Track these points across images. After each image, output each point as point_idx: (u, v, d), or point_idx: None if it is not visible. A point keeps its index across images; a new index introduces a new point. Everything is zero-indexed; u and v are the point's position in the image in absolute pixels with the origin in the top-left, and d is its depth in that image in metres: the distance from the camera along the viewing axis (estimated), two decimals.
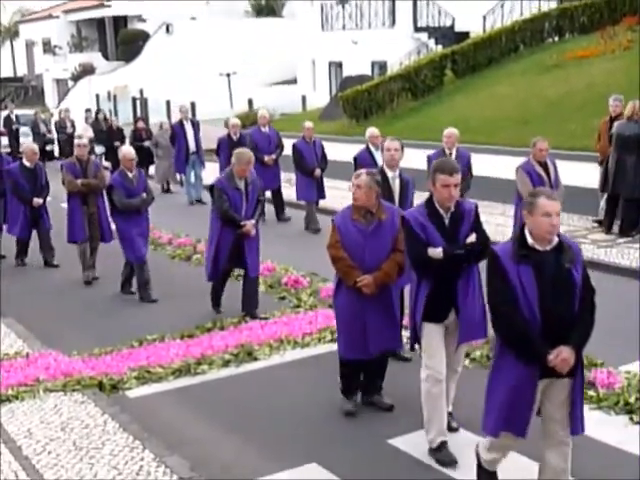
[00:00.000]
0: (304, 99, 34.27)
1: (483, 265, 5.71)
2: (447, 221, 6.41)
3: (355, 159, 12.98)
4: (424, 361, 6.54)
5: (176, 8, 45.62)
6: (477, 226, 6.53)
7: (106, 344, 9.41)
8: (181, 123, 19.89)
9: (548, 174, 11.52)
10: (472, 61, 26.21)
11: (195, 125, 19.92)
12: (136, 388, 8.27)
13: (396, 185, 8.47)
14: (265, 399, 7.99)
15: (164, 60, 42.88)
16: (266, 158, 16.31)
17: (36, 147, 14.07)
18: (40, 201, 13.60)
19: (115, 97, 38.81)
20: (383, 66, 32.45)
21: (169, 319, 10.43)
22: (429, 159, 12.19)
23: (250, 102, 33.28)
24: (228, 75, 40.09)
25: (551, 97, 20.73)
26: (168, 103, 33.06)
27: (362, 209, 7.13)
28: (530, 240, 5.27)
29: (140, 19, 48.54)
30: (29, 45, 60.65)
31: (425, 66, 26.36)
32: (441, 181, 6.30)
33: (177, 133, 19.81)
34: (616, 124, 13.47)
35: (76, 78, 48.46)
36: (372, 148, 12.96)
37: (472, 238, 6.41)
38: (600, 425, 6.88)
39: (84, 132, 25.88)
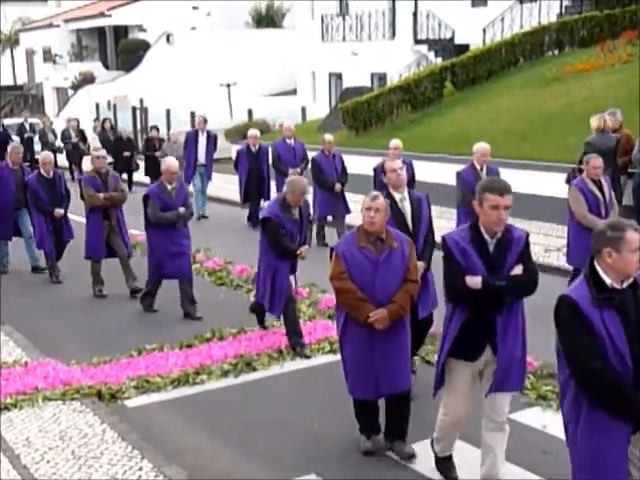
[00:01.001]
0: (304, 110, 34.30)
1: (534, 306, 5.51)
2: (492, 247, 5.79)
3: (375, 171, 12.72)
4: (444, 399, 6.13)
5: (177, 18, 45.69)
6: (526, 257, 5.88)
7: (105, 353, 9.40)
8: (196, 133, 19.27)
9: (603, 193, 10.74)
10: (472, 74, 26.24)
11: (210, 137, 19.23)
12: (135, 397, 8.27)
13: (406, 207, 7.82)
14: (264, 409, 7.99)
15: (164, 70, 42.93)
16: (290, 171, 15.50)
17: (52, 156, 13.65)
18: (61, 212, 13.07)
19: (115, 106, 38.79)
20: (383, 78, 32.52)
21: (168, 329, 10.43)
22: (459, 176, 11.70)
23: (250, 112, 33.32)
24: (228, 85, 40.13)
25: (551, 110, 20.76)
26: (168, 113, 33.09)
27: (372, 235, 6.50)
28: (608, 280, 4.65)
29: (141, 29, 48.62)
30: (29, 54, 60.68)
31: (425, 78, 26.39)
32: (490, 202, 5.67)
33: (189, 142, 19.13)
34: (588, 138, 13.56)
35: (76, 87, 48.49)
36: None
37: (518, 270, 5.77)
38: None
39: (91, 142, 25.81)
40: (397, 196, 7.79)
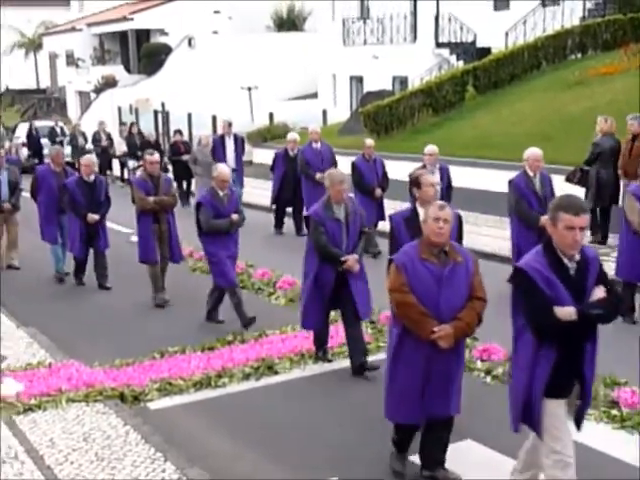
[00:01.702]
0: (325, 113, 34.31)
1: None
2: (572, 272, 5.28)
3: (410, 176, 12.62)
4: (548, 445, 5.42)
5: (198, 22, 45.87)
6: (605, 277, 5.42)
7: (128, 355, 9.45)
8: (222, 137, 18.98)
9: None
10: (494, 77, 26.16)
11: (238, 141, 18.97)
12: (157, 400, 8.31)
13: None
14: (286, 413, 8.00)
15: (186, 74, 43.08)
16: (317, 176, 15.32)
17: (94, 159, 13.46)
18: (96, 217, 12.80)
19: (137, 110, 38.99)
20: (404, 81, 32.47)
21: (190, 331, 10.48)
22: (511, 183, 11.33)
23: (271, 116, 33.37)
24: (249, 89, 40.20)
25: (573, 114, 20.67)
26: (190, 116, 33.20)
27: (436, 248, 6.06)
28: None
29: (163, 33, 48.83)
30: (52, 57, 61.08)
31: (446, 82, 26.34)
32: (565, 222, 5.17)
33: (216, 147, 18.81)
34: (596, 139, 14.28)
35: (98, 91, 48.75)
36: (428, 167, 12.38)
37: (600, 292, 5.27)
38: (624, 444, 6.84)
39: (118, 146, 25.99)
40: (422, 212, 6.87)
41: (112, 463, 6.68)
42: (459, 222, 7.53)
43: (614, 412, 7.44)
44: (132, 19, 48.73)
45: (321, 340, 9.34)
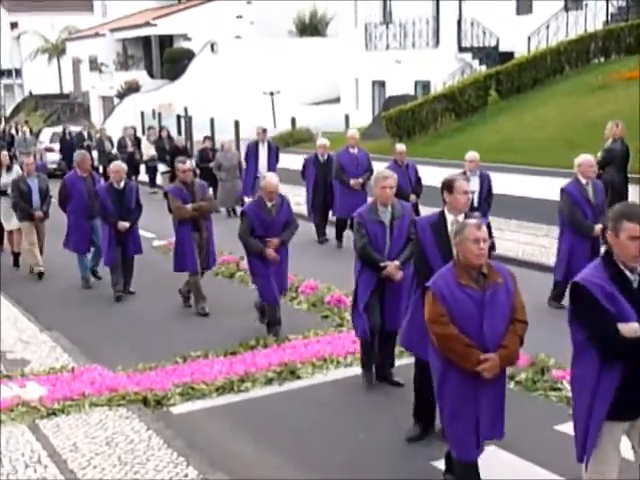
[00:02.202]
0: (347, 118, 34.30)
1: None
2: (636, 285, 4.96)
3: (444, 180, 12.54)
4: (590, 465, 5.14)
5: (221, 27, 46.07)
6: None
7: (150, 360, 9.46)
8: (256, 144, 18.47)
9: None
10: (517, 82, 26.09)
11: (272, 149, 18.51)
12: (180, 404, 8.31)
13: None
14: (308, 418, 7.99)
15: (209, 78, 43.25)
16: (352, 182, 15.11)
17: (123, 166, 13.16)
18: (126, 225, 12.43)
19: (160, 115, 39.16)
20: (426, 86, 32.44)
21: (213, 336, 10.48)
22: (564, 192, 10.87)
23: (293, 121, 33.42)
24: (271, 94, 40.32)
25: (597, 118, 20.54)
26: (212, 121, 33.30)
27: (474, 270, 5.63)
28: None
29: (186, 38, 49.06)
30: (76, 62, 61.49)
31: (469, 86, 26.30)
32: (629, 232, 4.87)
33: (250, 154, 18.35)
34: (609, 145, 14.50)
35: (122, 96, 49.04)
36: (468, 174, 12.07)
37: None
38: None
39: (146, 150, 25.67)
40: (450, 218, 6.83)
41: (135, 467, 6.70)
42: (489, 231, 6.72)
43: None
44: (155, 24, 49.01)
45: (368, 358, 8.65)
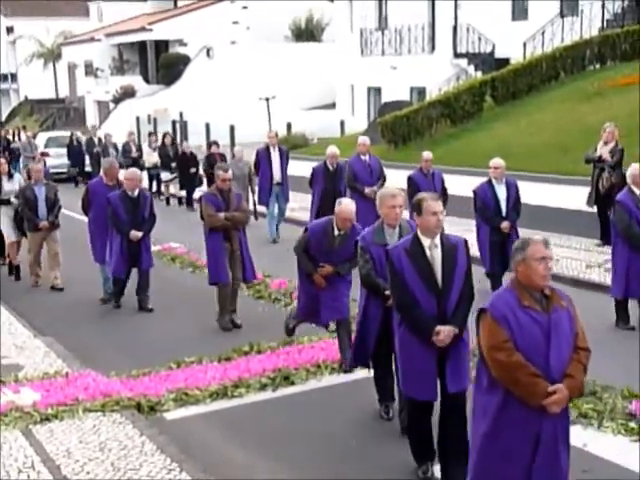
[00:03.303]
0: (342, 124, 34.40)
1: None
2: None
3: (475, 193, 12.10)
4: None
5: (217, 33, 46.08)
6: None
7: (144, 365, 9.44)
8: (267, 149, 17.66)
9: None
10: (512, 88, 26.17)
11: (283, 153, 17.77)
12: (174, 410, 8.28)
13: (436, 256, 6.28)
14: (301, 424, 7.98)
15: (204, 84, 43.28)
16: (366, 190, 14.32)
17: (139, 173, 12.63)
18: (139, 235, 11.92)
19: (155, 120, 39.18)
20: (422, 92, 32.51)
21: (207, 342, 10.47)
22: (620, 203, 10.29)
23: (289, 126, 33.48)
24: (267, 99, 40.31)
25: (592, 125, 20.57)
26: (207, 126, 33.32)
27: (538, 291, 5.15)
28: None
29: (181, 43, 49.09)
30: (71, 67, 61.52)
31: (464, 92, 26.36)
32: None
33: (261, 160, 17.57)
34: (620, 146, 14.49)
35: (117, 100, 49.05)
36: (494, 182, 11.97)
37: None
38: None
39: (147, 157, 25.01)
40: (426, 242, 6.29)
41: (128, 473, 6.67)
42: (466, 250, 6.40)
43: (632, 425, 7.37)
44: (151, 29, 49.03)
45: (383, 387, 7.90)
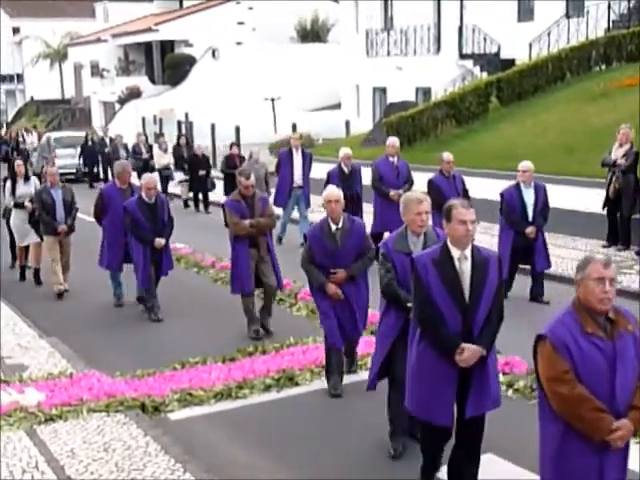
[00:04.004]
0: (348, 124, 34.37)
1: None
2: None
3: (501, 196, 11.92)
4: None
5: (222, 33, 46.13)
6: None
7: (149, 366, 9.45)
8: (290, 151, 17.31)
9: None
10: (518, 89, 26.13)
11: (306, 157, 17.27)
12: (178, 410, 8.29)
13: (465, 269, 5.83)
14: (306, 425, 7.98)
15: (210, 84, 43.31)
16: (392, 193, 13.96)
17: (157, 179, 12.11)
18: (162, 242, 11.64)
19: (161, 120, 39.21)
20: (427, 92, 32.48)
21: (211, 342, 10.46)
22: None
23: (294, 127, 33.43)
24: (272, 100, 40.38)
25: (598, 125, 20.57)
26: (213, 127, 33.33)
27: (602, 315, 4.72)
28: None
29: (187, 44, 49.14)
30: (77, 68, 61.61)
31: (470, 93, 26.33)
32: None
33: (282, 161, 17.25)
34: (635, 148, 14.39)
35: (123, 101, 49.11)
36: (522, 186, 11.74)
37: None
38: None
39: (158, 158, 24.72)
40: (456, 253, 5.84)
41: (132, 474, 6.68)
42: (498, 267, 5.95)
43: None
44: (157, 30, 49.09)
45: (394, 416, 7.19)
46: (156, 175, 23.13)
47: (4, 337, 10.54)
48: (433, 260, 5.84)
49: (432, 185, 13.36)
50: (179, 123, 37.54)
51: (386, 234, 14.06)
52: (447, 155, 13.64)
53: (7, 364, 9.55)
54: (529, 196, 11.73)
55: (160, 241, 11.63)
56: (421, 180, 15.16)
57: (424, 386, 5.91)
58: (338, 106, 40.47)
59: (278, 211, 17.27)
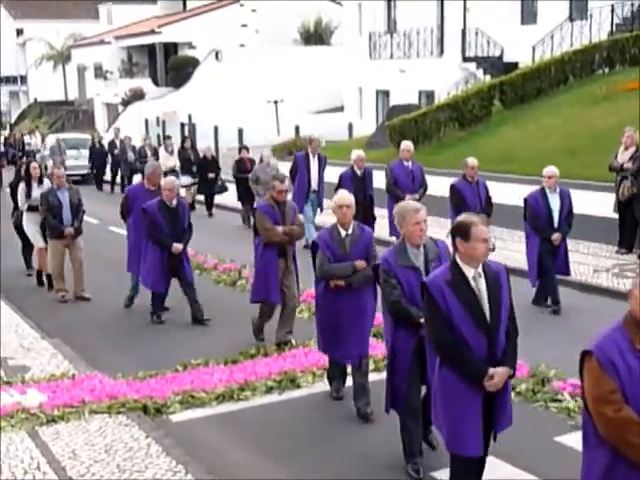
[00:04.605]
0: (350, 127, 34.38)
1: None
2: None
3: (525, 201, 11.61)
4: None
5: (226, 36, 46.16)
6: None
7: (151, 368, 9.46)
8: (307, 155, 17.08)
9: None
10: (521, 92, 26.12)
11: (321, 160, 17.08)
12: (179, 412, 8.29)
13: (481, 287, 5.52)
14: (307, 427, 7.98)
15: (213, 86, 43.32)
16: (407, 197, 13.23)
17: (177, 182, 11.87)
18: (180, 247, 11.33)
19: (164, 122, 39.24)
20: (430, 95, 32.48)
21: (213, 344, 10.47)
22: None
23: (297, 129, 33.47)
24: (275, 102, 40.40)
25: (600, 129, 20.56)
26: (216, 129, 33.35)
27: None
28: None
29: (190, 46, 49.19)
30: (81, 70, 61.69)
31: (473, 96, 26.33)
32: None
33: (299, 165, 16.91)
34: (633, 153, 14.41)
35: (126, 103, 49.16)
36: (547, 191, 11.46)
37: None
38: None
39: (164, 161, 23.81)
40: (469, 272, 5.52)
41: (134, 475, 6.68)
42: (507, 278, 5.71)
43: None
44: (160, 32, 49.14)
45: (408, 441, 6.84)
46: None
47: (6, 338, 10.55)
48: (447, 282, 5.48)
49: (454, 190, 13.02)
50: (182, 125, 37.57)
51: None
52: (472, 160, 13.13)
53: (9, 365, 9.56)
54: (555, 202, 11.46)
55: (178, 247, 11.33)
56: (430, 183, 15.19)
57: (452, 417, 5.58)
58: (341, 109, 40.47)
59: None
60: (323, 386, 8.92)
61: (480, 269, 5.52)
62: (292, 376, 9.06)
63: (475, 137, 24.76)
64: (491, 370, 5.43)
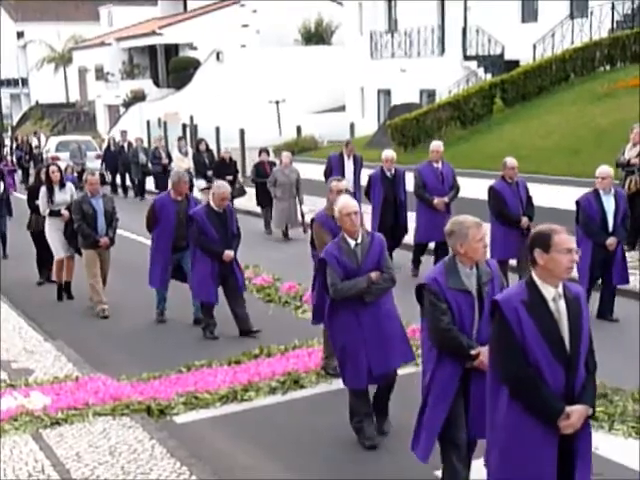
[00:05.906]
0: (352, 126, 34.35)
1: None
2: None
3: (577, 203, 10.89)
4: None
5: (227, 36, 46.18)
6: None
7: (154, 369, 9.46)
8: (341, 156, 16.73)
9: None
10: (522, 90, 26.11)
11: (357, 161, 16.71)
12: (183, 414, 8.29)
13: (562, 311, 4.75)
14: (311, 427, 7.97)
15: (214, 87, 43.34)
16: (436, 200, 13.24)
17: (229, 188, 11.05)
18: (232, 254, 10.78)
19: (165, 124, 39.25)
20: (432, 94, 32.48)
21: (216, 345, 10.48)
22: None
23: (299, 129, 33.46)
24: (277, 102, 40.40)
25: (602, 126, 20.56)
26: (218, 130, 33.35)
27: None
28: None
29: (191, 47, 49.22)
30: (82, 71, 61.73)
31: (474, 94, 26.33)
32: None
33: (333, 167, 16.45)
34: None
35: (127, 104, 49.18)
36: (601, 192, 10.72)
37: None
38: None
39: (178, 162, 23.52)
40: (549, 293, 4.75)
41: (138, 477, 6.68)
42: (586, 304, 5.00)
43: None
44: (161, 34, 49.18)
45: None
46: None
47: (10, 341, 10.56)
48: (524, 303, 4.72)
49: (494, 192, 12.11)
50: (184, 126, 37.58)
51: (431, 244, 13.78)
52: (511, 161, 12.16)
53: (13, 368, 9.56)
54: (609, 204, 10.71)
55: (230, 253, 10.77)
56: None
57: (524, 463, 4.78)
58: (342, 108, 40.46)
59: None
60: (327, 386, 8.92)
61: (560, 289, 4.77)
62: (295, 376, 9.05)
63: (477, 135, 24.75)
64: (568, 408, 4.69)
